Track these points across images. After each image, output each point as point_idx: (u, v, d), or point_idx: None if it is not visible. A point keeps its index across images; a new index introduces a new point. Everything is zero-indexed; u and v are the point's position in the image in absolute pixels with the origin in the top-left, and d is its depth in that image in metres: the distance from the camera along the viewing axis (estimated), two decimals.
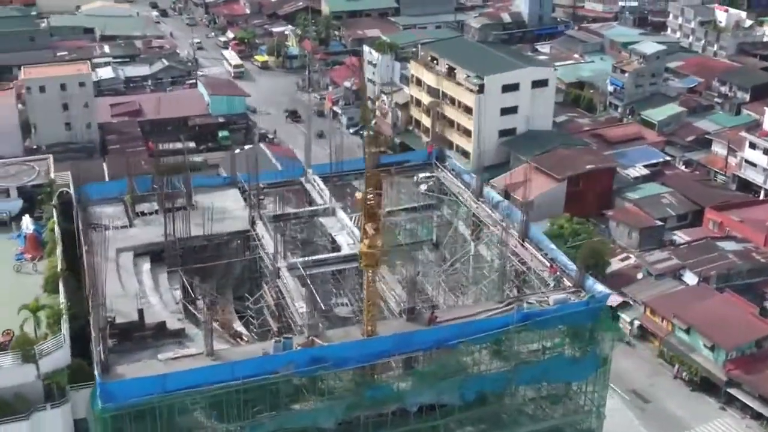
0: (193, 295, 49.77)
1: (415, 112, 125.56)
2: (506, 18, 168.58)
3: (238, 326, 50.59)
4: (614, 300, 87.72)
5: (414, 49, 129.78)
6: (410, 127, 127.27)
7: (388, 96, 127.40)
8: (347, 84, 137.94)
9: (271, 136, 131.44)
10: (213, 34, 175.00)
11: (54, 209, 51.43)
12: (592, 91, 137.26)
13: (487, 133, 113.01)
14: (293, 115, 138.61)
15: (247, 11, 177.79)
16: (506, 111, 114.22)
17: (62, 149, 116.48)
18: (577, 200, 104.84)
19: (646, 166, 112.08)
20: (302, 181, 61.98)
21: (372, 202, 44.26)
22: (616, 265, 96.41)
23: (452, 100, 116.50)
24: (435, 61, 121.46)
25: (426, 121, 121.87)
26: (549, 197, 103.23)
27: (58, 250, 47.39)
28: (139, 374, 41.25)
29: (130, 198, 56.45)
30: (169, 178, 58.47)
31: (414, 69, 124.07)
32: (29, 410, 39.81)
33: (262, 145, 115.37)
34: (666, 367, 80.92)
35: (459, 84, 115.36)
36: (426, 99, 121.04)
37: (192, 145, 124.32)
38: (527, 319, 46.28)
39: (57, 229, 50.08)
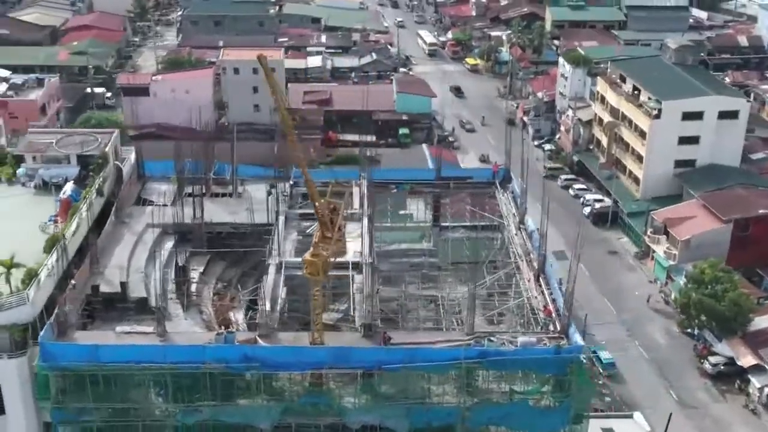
0: (189, 277, 51.64)
1: (596, 131, 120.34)
2: (743, 41, 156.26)
3: (237, 315, 51.95)
4: (747, 361, 79.90)
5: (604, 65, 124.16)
6: (591, 146, 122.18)
7: (573, 111, 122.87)
8: (539, 95, 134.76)
9: (451, 139, 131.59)
10: (436, 33, 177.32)
11: (98, 179, 55.62)
12: None
13: (660, 162, 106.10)
14: (456, 91, 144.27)
15: (473, 13, 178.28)
16: (685, 140, 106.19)
17: (246, 129, 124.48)
18: (745, 247, 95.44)
19: None
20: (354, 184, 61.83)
21: (328, 211, 44.03)
22: (762, 323, 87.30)
23: (630, 123, 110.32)
24: (623, 80, 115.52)
25: (605, 142, 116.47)
26: (710, 239, 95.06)
27: (79, 217, 51.28)
28: (84, 341, 44.04)
29: (176, 179, 59.37)
30: (222, 165, 60.83)
31: (600, 86, 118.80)
32: None
33: (423, 145, 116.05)
34: None
35: (639, 106, 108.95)
36: (607, 118, 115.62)
37: (371, 139, 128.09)
38: (483, 356, 43.79)
39: (92, 197, 54.20)
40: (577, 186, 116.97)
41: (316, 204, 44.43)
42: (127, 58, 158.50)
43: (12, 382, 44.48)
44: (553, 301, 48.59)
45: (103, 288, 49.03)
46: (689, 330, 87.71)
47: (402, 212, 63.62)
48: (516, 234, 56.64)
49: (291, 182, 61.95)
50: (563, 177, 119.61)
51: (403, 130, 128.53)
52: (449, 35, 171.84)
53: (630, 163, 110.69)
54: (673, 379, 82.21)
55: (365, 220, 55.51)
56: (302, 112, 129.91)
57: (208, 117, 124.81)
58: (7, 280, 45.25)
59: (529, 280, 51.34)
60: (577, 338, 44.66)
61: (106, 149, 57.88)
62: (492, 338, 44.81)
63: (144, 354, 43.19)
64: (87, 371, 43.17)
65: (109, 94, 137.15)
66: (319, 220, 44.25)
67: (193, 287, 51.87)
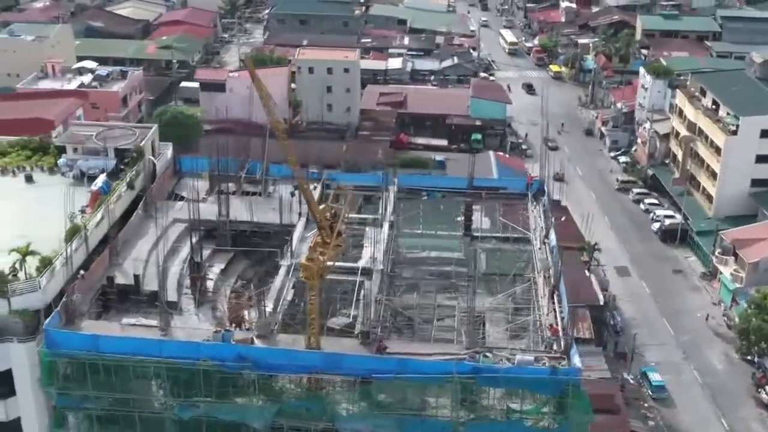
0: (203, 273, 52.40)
1: (673, 145, 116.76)
2: None
3: (252, 314, 52.35)
4: None
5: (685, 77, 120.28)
6: (667, 161, 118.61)
7: (650, 123, 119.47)
8: (618, 105, 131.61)
9: (524, 147, 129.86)
10: (523, 38, 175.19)
11: (130, 173, 57.10)
12: None
13: (735, 180, 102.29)
14: (528, 89, 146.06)
15: (562, 19, 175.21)
16: (763, 159, 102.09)
17: (317, 127, 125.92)
18: None
19: None
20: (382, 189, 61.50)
21: (329, 216, 44.03)
22: None
23: (706, 138, 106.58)
24: (702, 93, 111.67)
25: (681, 156, 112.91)
26: None
27: (105, 209, 52.78)
28: (90, 330, 45.29)
29: (209, 176, 60.27)
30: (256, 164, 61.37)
31: (679, 98, 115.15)
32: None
33: (490, 152, 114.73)
34: None
35: (717, 121, 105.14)
36: (683, 132, 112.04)
37: (443, 143, 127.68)
38: (476, 372, 43.05)
39: (121, 190, 55.73)
40: (648, 201, 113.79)
41: (313, 209, 44.37)
42: (215, 53, 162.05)
43: (22, 365, 46.09)
44: (563, 319, 47.21)
45: (118, 279, 50.28)
46: (749, 357, 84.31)
47: (435, 219, 62.98)
48: (540, 248, 55.37)
49: (323, 183, 61.93)
50: (635, 191, 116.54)
51: (475, 136, 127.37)
52: (536, 41, 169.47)
53: (704, 180, 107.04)
54: (726, 407, 79.15)
55: (386, 226, 55.24)
56: (375, 113, 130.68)
57: (283, 115, 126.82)
58: (21, 267, 46.83)
59: (543, 297, 50.12)
60: (576, 360, 43.26)
61: (141, 144, 59.21)
62: (488, 354, 43.91)
63: (141, 347, 44.12)
64: (88, 360, 44.33)
65: None
66: (318, 225, 44.26)
67: (211, 284, 52.48)
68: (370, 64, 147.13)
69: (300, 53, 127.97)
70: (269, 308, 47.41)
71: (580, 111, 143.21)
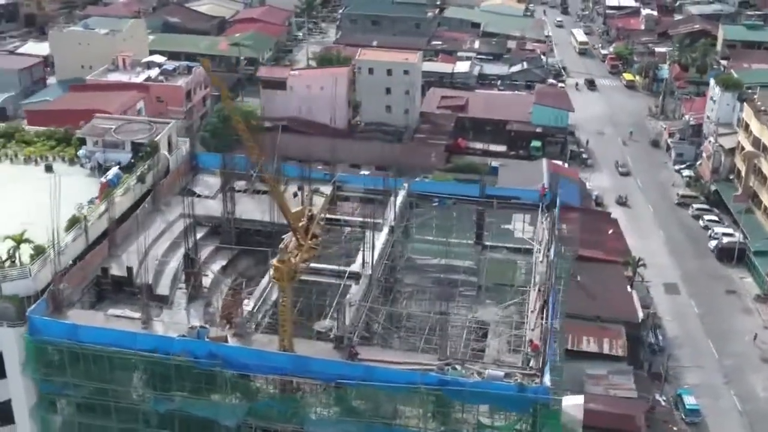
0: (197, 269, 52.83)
1: (738, 160, 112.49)
2: None
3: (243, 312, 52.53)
4: None
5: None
6: (731, 176, 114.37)
7: (715, 137, 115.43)
8: (687, 117, 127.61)
9: (585, 156, 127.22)
10: (599, 44, 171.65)
11: (142, 167, 58.20)
12: None
13: None
14: (590, 84, 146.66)
15: (642, 27, 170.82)
16: None
17: (375, 128, 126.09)
18: None
19: None
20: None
21: (304, 219, 43.95)
22: None
23: None
24: None
25: (744, 172, 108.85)
26: None
27: (109, 201, 53.97)
28: (75, 319, 46.33)
29: (220, 173, 60.79)
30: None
31: (745, 112, 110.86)
32: None
33: (543, 160, 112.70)
34: None
35: None
36: (748, 147, 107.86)
37: (502, 149, 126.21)
38: (442, 384, 42.27)
39: (130, 183, 56.91)
40: (708, 217, 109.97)
41: (285, 210, 44.27)
42: (287, 52, 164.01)
43: (11, 349, 47.35)
44: (543, 336, 45.87)
45: (114, 271, 51.26)
46: None
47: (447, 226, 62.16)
48: (541, 261, 54.04)
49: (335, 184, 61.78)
50: (695, 206, 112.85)
51: (535, 143, 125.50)
52: (611, 48, 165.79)
53: (766, 198, 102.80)
54: None
55: (385, 230, 54.80)
56: (435, 116, 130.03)
57: (342, 115, 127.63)
58: (13, 255, 48.23)
59: (533, 311, 48.87)
60: (546, 379, 41.98)
61: (156, 138, 60.27)
62: (456, 367, 43.04)
63: (117, 338, 44.80)
64: (68, 348, 45.32)
65: None
66: (291, 227, 44.17)
67: (207, 280, 52.97)
68: (437, 66, 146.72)
69: (361, 54, 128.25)
70: (250, 307, 47.48)
71: (649, 121, 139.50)
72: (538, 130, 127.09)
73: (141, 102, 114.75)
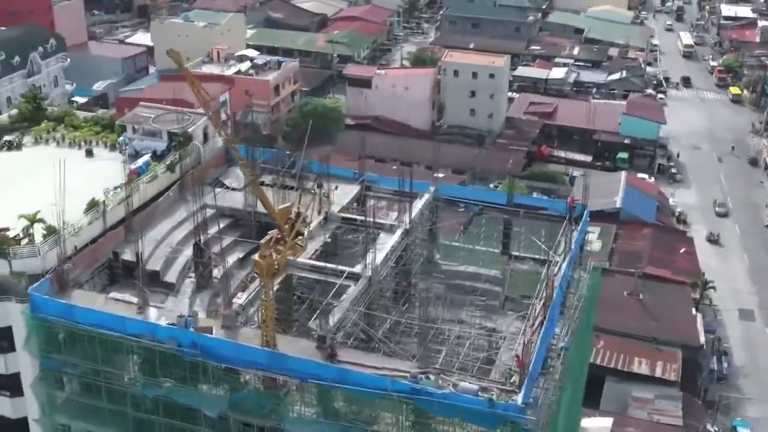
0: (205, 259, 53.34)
1: None
2: None
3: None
4: None
5: None
6: None
7: None
8: None
9: (674, 171, 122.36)
10: (710, 56, 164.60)
11: (173, 156, 59.35)
12: None
13: None
14: (685, 81, 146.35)
15: (757, 39, 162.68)
16: None
17: (457, 131, 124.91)
18: None
19: None
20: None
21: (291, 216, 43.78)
22: None
23: None
24: None
25: None
26: None
27: (132, 188, 55.35)
28: (74, 300, 47.64)
29: (248, 166, 61.06)
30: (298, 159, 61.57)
31: None
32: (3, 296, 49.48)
33: (622, 173, 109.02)
34: None
35: None
36: None
37: (587, 159, 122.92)
38: (413, 392, 41.28)
39: (158, 171, 58.16)
40: None
41: (267, 206, 44.16)
42: (386, 51, 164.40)
43: (19, 324, 49.20)
44: (527, 352, 44.14)
45: (125, 256, 52.38)
46: None
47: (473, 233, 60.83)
48: (555, 275, 51.97)
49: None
50: None
51: (621, 155, 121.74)
52: (721, 60, 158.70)
53: None
54: None
55: (398, 233, 54.00)
56: (520, 122, 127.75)
57: (425, 116, 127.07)
58: (27, 233, 50.05)
59: (532, 326, 47.05)
60: (520, 397, 40.36)
61: (191, 129, 61.35)
62: (430, 376, 41.90)
63: (108, 321, 45.65)
64: (64, 327, 46.61)
65: None
66: (276, 223, 44.05)
67: (217, 271, 53.45)
68: (531, 71, 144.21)
69: (448, 55, 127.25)
70: (242, 300, 47.66)
71: (752, 138, 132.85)
72: (627, 141, 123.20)
73: (225, 94, 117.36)
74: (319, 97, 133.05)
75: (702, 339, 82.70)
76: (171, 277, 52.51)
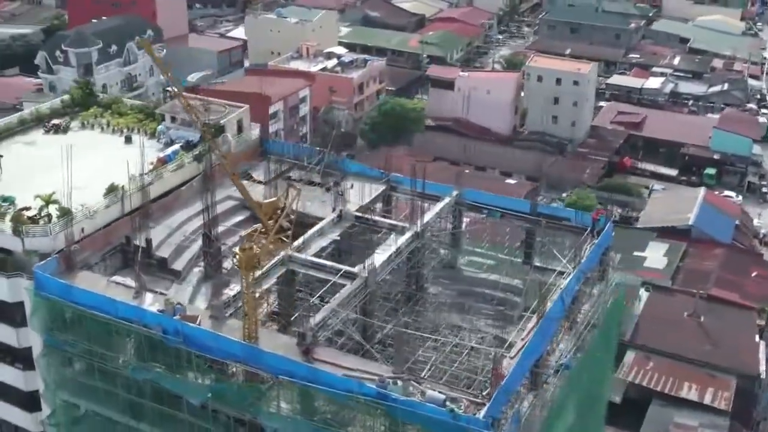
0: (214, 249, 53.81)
1: None
2: None
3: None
4: None
5: None
6: None
7: None
8: None
9: (765, 190, 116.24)
10: None
11: (202, 147, 60.17)
12: None
13: None
14: None
15: None
16: None
17: (537, 138, 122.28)
18: None
19: None
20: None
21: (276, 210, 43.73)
22: None
23: None
24: None
25: None
26: None
27: (154, 175, 56.53)
28: (78, 281, 48.99)
29: (270, 162, 61.32)
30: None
31: None
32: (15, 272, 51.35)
33: (701, 189, 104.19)
34: None
35: None
36: None
37: (672, 173, 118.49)
38: (380, 398, 40.49)
39: (183, 161, 59.17)
40: None
41: (248, 200, 44.08)
42: (482, 53, 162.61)
43: (28, 300, 50.95)
44: (499, 365, 42.70)
45: (136, 241, 53.46)
46: None
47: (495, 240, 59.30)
48: (561, 287, 50.11)
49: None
50: None
51: (709, 170, 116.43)
52: None
53: None
54: None
55: (407, 235, 53.13)
56: (605, 131, 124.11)
57: (506, 120, 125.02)
58: (40, 213, 51.71)
59: (522, 339, 45.46)
60: (483, 411, 38.97)
61: (223, 122, 62.10)
62: (398, 382, 40.92)
63: (101, 303, 46.73)
64: (64, 306, 47.98)
65: None
66: (260, 218, 43.97)
67: (226, 262, 53.91)
68: (625, 80, 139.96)
69: (532, 60, 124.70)
70: (233, 292, 47.88)
71: None
72: (716, 156, 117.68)
73: (306, 90, 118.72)
74: (406, 97, 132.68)
75: (762, 368, 78.17)
76: (178, 265, 53.40)
